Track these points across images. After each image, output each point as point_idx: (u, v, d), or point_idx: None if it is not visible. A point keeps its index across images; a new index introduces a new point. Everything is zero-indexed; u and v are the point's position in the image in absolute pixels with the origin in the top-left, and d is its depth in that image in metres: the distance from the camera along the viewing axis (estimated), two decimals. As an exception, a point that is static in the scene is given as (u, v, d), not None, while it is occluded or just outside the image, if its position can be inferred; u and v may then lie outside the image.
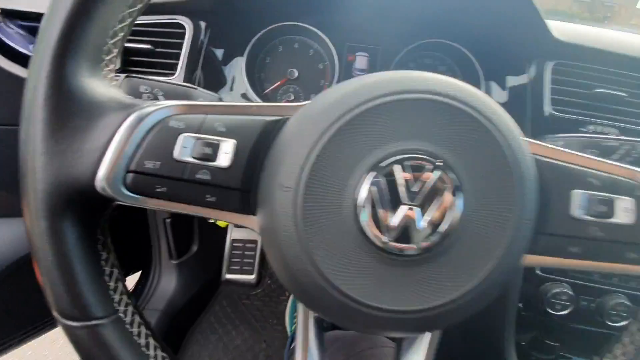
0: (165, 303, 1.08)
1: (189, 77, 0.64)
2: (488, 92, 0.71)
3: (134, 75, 0.37)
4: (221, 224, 0.94)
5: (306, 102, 0.28)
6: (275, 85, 0.74)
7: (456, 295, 0.25)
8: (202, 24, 0.66)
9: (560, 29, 0.65)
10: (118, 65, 0.29)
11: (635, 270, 0.29)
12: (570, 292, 0.66)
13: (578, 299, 0.67)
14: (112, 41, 0.26)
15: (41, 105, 0.23)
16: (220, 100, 0.40)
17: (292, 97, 0.75)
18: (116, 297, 0.27)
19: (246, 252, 1.14)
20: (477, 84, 0.71)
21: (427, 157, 0.24)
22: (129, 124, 0.24)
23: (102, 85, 0.26)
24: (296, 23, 0.71)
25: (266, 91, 0.75)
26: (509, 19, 0.65)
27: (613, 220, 0.28)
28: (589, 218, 0.28)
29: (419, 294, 0.25)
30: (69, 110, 0.24)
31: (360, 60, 0.74)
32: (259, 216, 0.27)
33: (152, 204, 0.26)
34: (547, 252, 0.29)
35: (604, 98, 0.62)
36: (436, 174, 0.24)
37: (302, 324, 0.36)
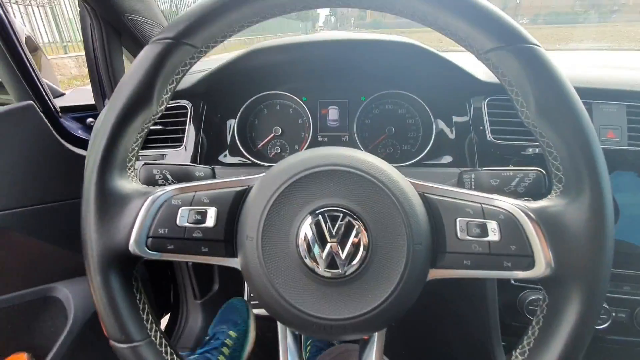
0: (193, 340, 1.20)
1: (195, 143, 0.80)
2: (438, 128, 0.83)
3: (149, 162, 0.52)
4: None
5: (261, 174, 0.42)
6: (264, 141, 0.90)
7: (377, 304, 0.36)
8: (200, 102, 0.83)
9: (487, 71, 0.77)
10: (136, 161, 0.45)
11: (513, 275, 0.38)
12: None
13: None
14: (131, 154, 0.41)
15: (92, 201, 0.38)
16: (213, 170, 0.55)
17: (279, 150, 0.90)
18: (148, 326, 0.41)
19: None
20: (429, 122, 0.84)
21: (341, 209, 0.36)
22: (146, 205, 0.39)
23: (127, 182, 0.41)
24: (275, 92, 0.87)
25: (258, 147, 0.90)
26: (444, 75, 0.78)
27: (487, 238, 0.37)
28: (470, 238, 0.38)
29: (350, 306, 0.36)
30: (109, 202, 0.39)
31: (332, 113, 0.89)
32: (239, 258, 0.40)
33: (166, 257, 0.40)
34: (447, 266, 0.39)
35: None
36: (347, 219, 0.36)
37: (281, 334, 0.47)
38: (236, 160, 0.87)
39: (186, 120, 0.80)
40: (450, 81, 0.80)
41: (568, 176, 0.36)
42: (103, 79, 0.80)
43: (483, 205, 0.39)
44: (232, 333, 0.97)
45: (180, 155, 0.79)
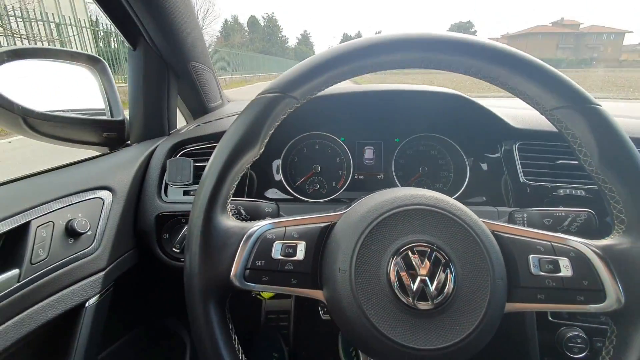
0: None
1: (247, 178, 0.84)
2: (471, 168, 0.89)
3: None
4: (265, 295, 1.07)
5: (345, 210, 0.46)
6: (304, 178, 0.94)
7: (462, 337, 0.38)
8: None
9: (519, 117, 0.84)
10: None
11: (586, 309, 0.41)
12: (583, 335, 0.75)
13: (592, 340, 0.75)
14: (232, 192, 0.45)
15: (199, 237, 0.41)
16: (278, 206, 0.59)
17: (317, 187, 0.94)
18: (237, 348, 0.43)
19: (280, 324, 1.25)
20: (462, 162, 0.89)
21: (428, 244, 0.40)
22: (244, 240, 0.42)
23: (226, 218, 0.44)
24: (316, 132, 0.93)
25: (297, 183, 0.94)
26: (476, 119, 0.85)
27: (559, 274, 0.41)
28: (543, 274, 0.41)
29: (441, 336, 0.38)
30: (213, 238, 0.42)
31: (369, 152, 0.95)
32: (324, 290, 0.42)
33: (259, 288, 0.42)
34: (522, 300, 0.42)
35: (566, 167, 0.78)
36: (435, 254, 0.39)
37: None
38: (279, 196, 0.91)
39: None
40: (481, 125, 0.86)
41: (631, 218, 0.41)
42: (155, 116, 0.85)
43: (553, 244, 0.43)
44: None
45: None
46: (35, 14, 7.42)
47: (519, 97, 0.44)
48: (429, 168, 0.92)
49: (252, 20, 68.05)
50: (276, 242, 0.43)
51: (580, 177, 0.78)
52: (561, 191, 0.78)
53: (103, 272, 0.64)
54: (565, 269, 0.41)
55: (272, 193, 0.92)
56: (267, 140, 0.45)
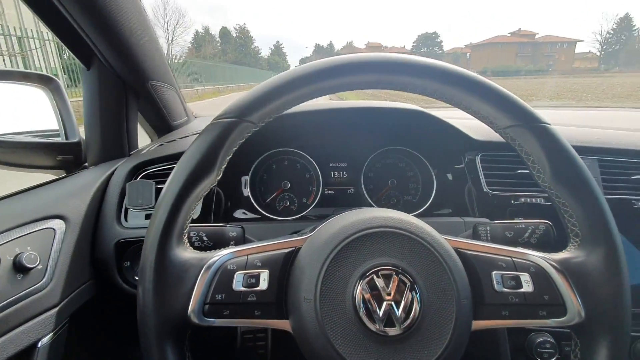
0: None
1: (208, 196, 0.81)
2: (438, 179, 0.91)
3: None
4: None
5: (309, 234, 0.45)
6: (273, 195, 0.93)
7: (435, 358, 0.38)
8: None
9: (479, 128, 0.87)
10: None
11: (547, 323, 0.42)
12: (552, 340, 0.77)
13: (560, 345, 0.77)
14: (188, 221, 0.43)
15: (151, 273, 0.39)
16: (243, 229, 0.57)
17: (287, 203, 0.93)
18: None
19: (257, 343, 1.20)
20: (428, 174, 0.91)
21: (392, 267, 0.39)
22: (202, 272, 0.40)
23: (183, 250, 0.42)
24: (284, 149, 0.92)
25: (267, 200, 0.92)
26: (440, 133, 0.87)
27: (521, 290, 0.42)
28: (506, 290, 0.42)
29: None
30: (167, 273, 0.40)
31: (338, 167, 0.95)
32: (290, 319, 0.41)
33: (219, 322, 0.40)
34: (487, 317, 0.42)
35: (525, 177, 0.81)
36: (399, 277, 0.39)
37: None
38: (248, 215, 0.89)
39: None
40: (444, 138, 0.89)
41: (584, 231, 0.42)
42: (114, 137, 0.82)
43: (514, 259, 0.44)
44: None
45: (196, 212, 0.80)
46: (-4, 28, 7.00)
47: (473, 115, 0.45)
48: (397, 181, 0.94)
49: (224, 32, 67.67)
50: (237, 272, 0.41)
51: (539, 186, 0.81)
52: (522, 200, 0.81)
53: (56, 308, 0.59)
54: (527, 285, 0.42)
55: (241, 213, 0.89)
56: (224, 165, 0.44)
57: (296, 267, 0.42)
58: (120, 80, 0.74)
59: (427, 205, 0.88)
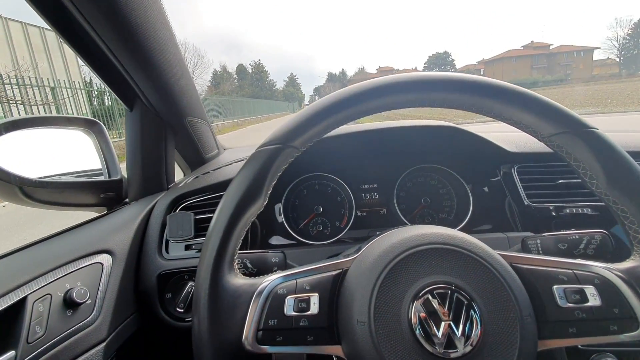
0: None
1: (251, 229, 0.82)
2: (474, 195, 0.88)
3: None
4: None
5: (356, 255, 0.44)
6: (306, 220, 0.93)
7: None
8: None
9: (513, 141, 0.85)
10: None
11: (621, 339, 0.38)
12: None
13: None
14: (238, 248, 0.43)
15: (206, 301, 0.39)
16: (284, 254, 0.57)
17: (321, 228, 0.92)
18: None
19: None
20: (463, 190, 0.89)
21: (448, 286, 0.38)
22: (254, 298, 0.40)
23: (234, 276, 0.42)
24: (314, 173, 0.93)
25: (300, 226, 0.92)
26: (471, 147, 0.86)
27: (588, 304, 0.39)
28: (571, 305, 0.39)
29: None
30: (221, 299, 0.40)
31: (369, 188, 0.94)
32: (343, 345, 0.40)
33: (273, 350, 0.39)
34: (553, 336, 0.39)
35: (567, 186, 0.78)
36: (456, 295, 0.37)
37: None
38: (282, 242, 0.89)
39: None
40: (477, 152, 0.87)
41: None
42: (154, 173, 0.85)
43: (575, 271, 0.41)
44: None
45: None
46: (30, 80, 7.69)
47: (515, 126, 0.45)
48: (431, 199, 0.92)
49: (240, 68, 71.07)
50: (288, 297, 0.41)
51: (584, 195, 0.77)
52: (567, 211, 0.77)
53: (104, 344, 0.60)
54: (593, 298, 0.39)
55: (276, 240, 0.90)
56: (270, 191, 0.44)
57: (346, 289, 0.41)
58: (160, 119, 0.78)
59: (466, 221, 0.85)
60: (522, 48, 68.75)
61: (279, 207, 0.91)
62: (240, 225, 0.42)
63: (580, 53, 63.99)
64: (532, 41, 69.47)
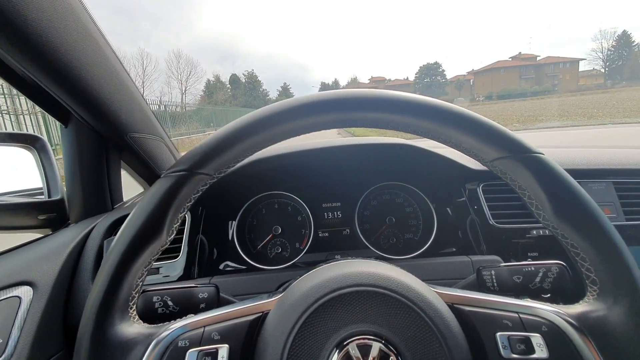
0: None
1: (192, 251, 0.76)
2: (438, 214, 0.84)
3: (147, 290, 0.48)
4: None
5: (278, 295, 0.39)
6: (264, 241, 0.87)
7: None
8: (199, 208, 0.82)
9: None
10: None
11: None
12: None
13: None
14: (135, 291, 0.38)
15: (86, 352, 0.33)
16: (217, 288, 0.51)
17: (279, 249, 0.87)
18: None
19: None
20: (428, 209, 0.84)
21: (372, 337, 0.33)
22: (149, 352, 0.34)
23: (128, 325, 0.36)
24: (274, 192, 0.88)
25: (258, 248, 0.87)
26: (436, 166, 0.82)
27: (533, 355, 0.34)
28: (515, 356, 0.34)
29: None
30: (107, 352, 0.34)
31: (331, 207, 0.89)
32: None
33: None
34: None
35: None
36: (379, 348, 0.32)
37: None
38: (236, 266, 0.83)
39: (184, 229, 0.78)
40: (443, 171, 0.83)
41: (603, 279, 0.35)
42: (95, 192, 0.79)
43: (521, 315, 0.37)
44: None
45: (177, 268, 0.75)
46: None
47: (456, 149, 0.40)
48: (396, 218, 0.87)
49: (234, 78, 71.23)
50: (190, 350, 0.35)
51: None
52: (534, 232, 0.73)
53: None
54: (540, 349, 0.34)
55: (226, 265, 0.84)
56: (176, 224, 0.39)
57: (261, 339, 0.36)
58: (98, 135, 0.73)
59: (429, 243, 0.80)
60: (510, 59, 70.27)
61: (232, 225, 0.85)
62: (137, 265, 0.36)
63: (566, 64, 65.58)
64: (520, 52, 71.14)
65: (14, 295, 0.57)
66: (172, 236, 0.39)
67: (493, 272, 0.51)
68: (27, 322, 0.57)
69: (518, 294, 0.44)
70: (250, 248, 0.86)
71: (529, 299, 0.39)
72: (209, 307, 0.47)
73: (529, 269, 0.49)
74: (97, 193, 0.78)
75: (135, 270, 0.36)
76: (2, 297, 0.56)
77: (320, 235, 0.87)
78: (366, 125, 0.40)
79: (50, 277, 0.62)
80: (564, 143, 1.25)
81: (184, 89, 44.34)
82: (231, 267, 0.83)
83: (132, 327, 0.36)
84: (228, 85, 70.03)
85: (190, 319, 0.38)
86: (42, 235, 0.76)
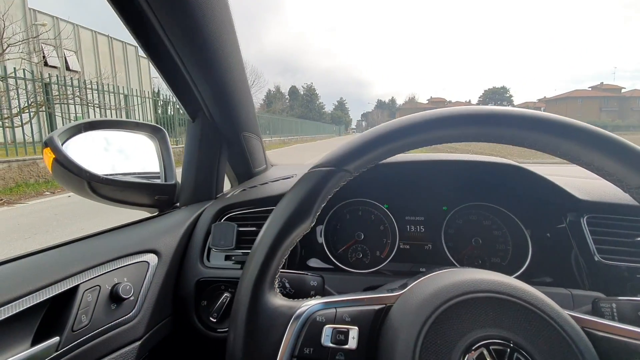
0: None
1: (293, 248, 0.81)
2: (533, 242, 0.80)
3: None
4: None
5: (402, 291, 0.41)
6: (346, 246, 0.90)
7: None
8: None
9: (585, 188, 0.77)
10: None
11: None
12: None
13: None
14: (280, 267, 0.42)
15: (244, 315, 0.38)
16: (323, 279, 0.54)
17: (360, 255, 0.89)
18: None
19: None
20: (521, 234, 0.81)
21: (507, 343, 0.34)
22: (292, 322, 0.39)
23: (274, 296, 0.41)
24: (360, 199, 0.91)
25: (339, 251, 0.90)
26: (535, 190, 0.79)
27: None
28: None
29: None
30: (259, 318, 0.39)
31: (415, 221, 0.90)
32: None
33: None
34: None
35: None
36: (515, 355, 0.33)
37: None
38: (320, 265, 0.87)
39: None
40: (541, 195, 0.80)
41: None
42: (205, 182, 0.89)
43: None
44: None
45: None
46: (108, 86, 8.66)
47: (596, 173, 0.40)
48: (482, 240, 0.85)
49: (293, 90, 74.21)
50: (326, 326, 0.39)
51: None
52: None
53: (139, 342, 0.61)
54: None
55: (314, 262, 0.88)
56: (319, 213, 0.43)
57: (389, 328, 0.38)
58: (219, 131, 0.82)
59: (523, 270, 0.77)
60: (589, 89, 64.37)
61: (320, 228, 0.90)
62: (286, 244, 0.41)
63: (658, 99, 58.42)
64: (602, 82, 64.88)
65: (144, 260, 0.66)
66: (314, 222, 0.43)
67: (614, 305, 0.48)
68: (152, 285, 0.65)
69: None
70: (332, 250, 0.89)
71: None
72: (318, 294, 0.51)
73: None
74: (207, 183, 0.88)
75: (285, 247, 0.41)
76: (136, 261, 0.65)
77: (401, 246, 0.88)
78: (505, 142, 0.41)
79: (171, 249, 0.70)
80: None
81: (247, 96, 47.03)
82: (317, 266, 0.87)
83: (277, 299, 0.41)
84: (287, 96, 73.00)
85: (324, 299, 0.42)
86: (159, 213, 0.87)
